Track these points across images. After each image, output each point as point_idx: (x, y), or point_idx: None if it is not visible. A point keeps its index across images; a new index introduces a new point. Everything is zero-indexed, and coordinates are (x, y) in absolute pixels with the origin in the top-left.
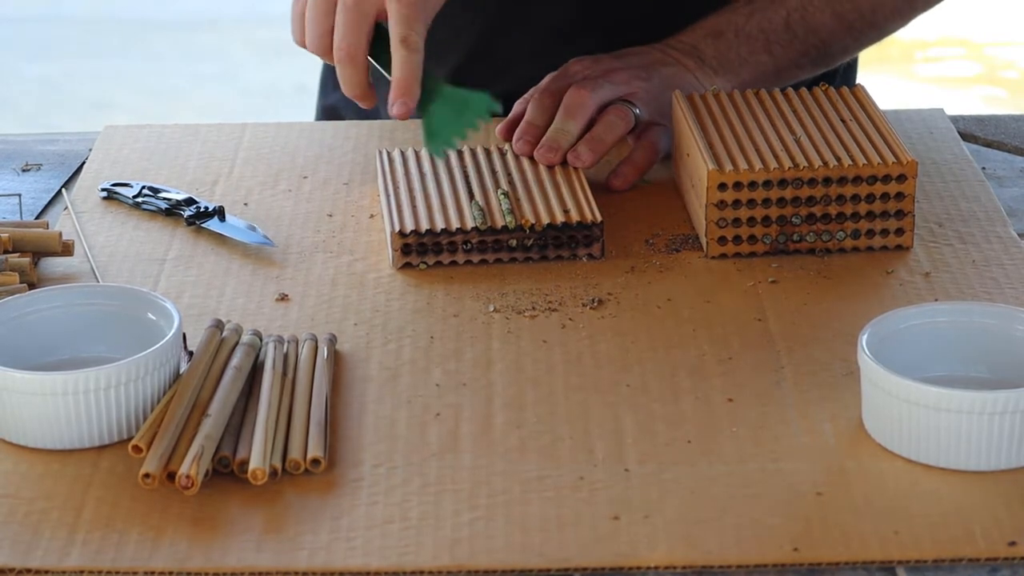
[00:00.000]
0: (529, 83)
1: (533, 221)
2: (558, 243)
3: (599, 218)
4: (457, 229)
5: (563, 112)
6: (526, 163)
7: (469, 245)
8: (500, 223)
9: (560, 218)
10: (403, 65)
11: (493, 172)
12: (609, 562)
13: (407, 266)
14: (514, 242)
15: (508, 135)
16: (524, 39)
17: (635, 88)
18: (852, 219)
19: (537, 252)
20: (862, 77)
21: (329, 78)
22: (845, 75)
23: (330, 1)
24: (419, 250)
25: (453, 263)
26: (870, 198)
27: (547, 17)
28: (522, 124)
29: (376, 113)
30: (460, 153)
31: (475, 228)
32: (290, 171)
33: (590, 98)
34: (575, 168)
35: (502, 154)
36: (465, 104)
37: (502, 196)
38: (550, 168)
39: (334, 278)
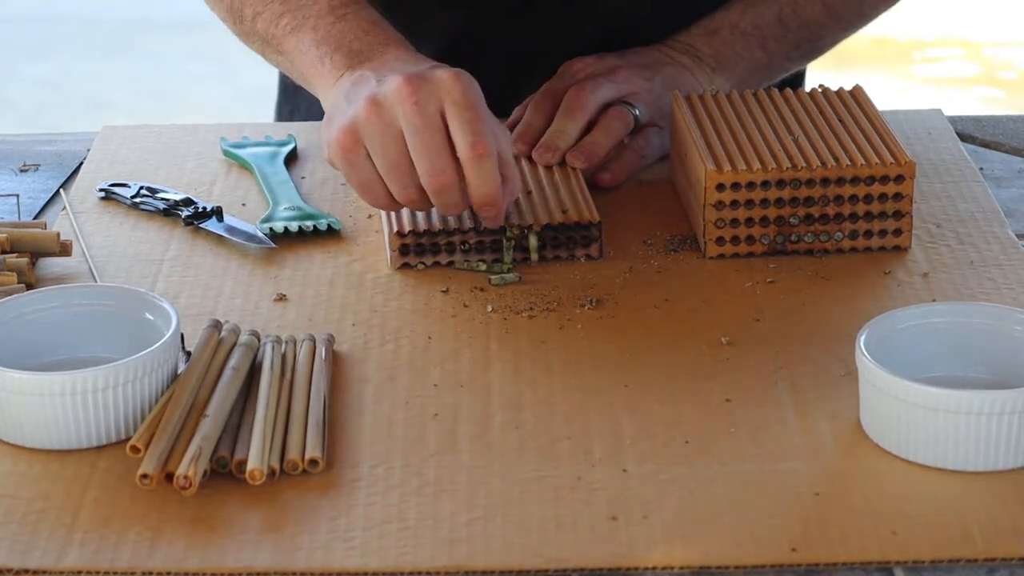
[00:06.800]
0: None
1: (532, 222)
2: (556, 244)
3: (597, 218)
4: (455, 229)
5: (562, 113)
6: (524, 164)
7: (467, 246)
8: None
9: (558, 219)
10: (481, 177)
11: None
12: (607, 563)
13: (405, 266)
14: (512, 243)
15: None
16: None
17: (636, 88)
18: (850, 220)
19: (535, 252)
20: (861, 78)
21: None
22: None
23: (399, 139)
24: (417, 250)
25: (451, 264)
26: (868, 199)
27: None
28: (520, 125)
29: None
30: None
31: (472, 229)
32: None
33: (590, 99)
34: (573, 169)
35: None
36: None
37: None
38: (548, 168)
39: (332, 278)
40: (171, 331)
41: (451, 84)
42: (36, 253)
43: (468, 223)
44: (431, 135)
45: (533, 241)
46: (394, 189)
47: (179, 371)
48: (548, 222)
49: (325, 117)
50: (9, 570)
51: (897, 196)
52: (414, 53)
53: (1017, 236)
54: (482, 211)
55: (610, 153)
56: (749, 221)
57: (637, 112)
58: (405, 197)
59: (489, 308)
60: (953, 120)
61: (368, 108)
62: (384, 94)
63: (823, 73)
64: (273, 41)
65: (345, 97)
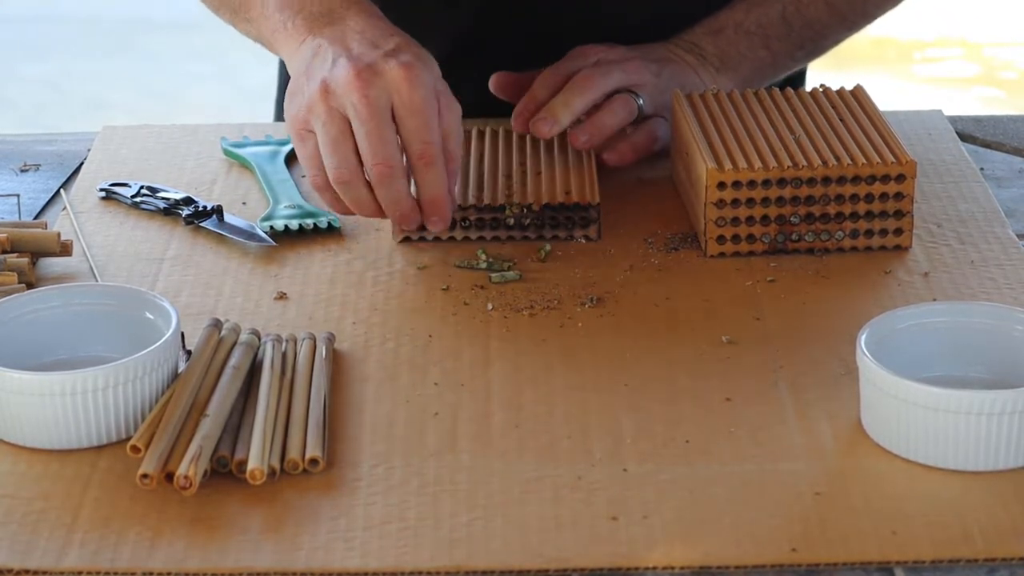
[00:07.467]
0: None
1: (532, 200)
2: (555, 224)
3: (597, 199)
4: (456, 206)
5: (570, 87)
6: (542, 144)
7: (467, 222)
8: (499, 201)
9: (559, 198)
10: (428, 183)
11: (509, 151)
12: (607, 562)
13: (406, 240)
14: (512, 220)
15: (504, 91)
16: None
17: (644, 80)
18: (851, 219)
19: (534, 232)
20: (861, 78)
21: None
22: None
23: (342, 120)
24: (419, 226)
25: (452, 239)
26: (869, 198)
27: (539, 20)
28: (524, 98)
29: None
30: (467, 133)
31: (472, 206)
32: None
33: (599, 82)
34: (587, 153)
35: (505, 136)
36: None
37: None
38: (562, 151)
39: (332, 276)
40: (171, 330)
41: (400, 83)
42: (37, 253)
43: (471, 199)
44: (377, 125)
45: (547, 246)
46: (330, 167)
47: (179, 370)
48: (548, 201)
49: (288, 90)
50: (9, 570)
51: (898, 195)
52: (375, 18)
53: (1017, 236)
54: (429, 211)
55: (612, 138)
56: (750, 220)
57: (642, 102)
58: (337, 176)
59: (489, 306)
60: (953, 120)
61: (319, 93)
62: (335, 81)
63: (823, 73)
64: (241, 9)
65: (305, 71)
